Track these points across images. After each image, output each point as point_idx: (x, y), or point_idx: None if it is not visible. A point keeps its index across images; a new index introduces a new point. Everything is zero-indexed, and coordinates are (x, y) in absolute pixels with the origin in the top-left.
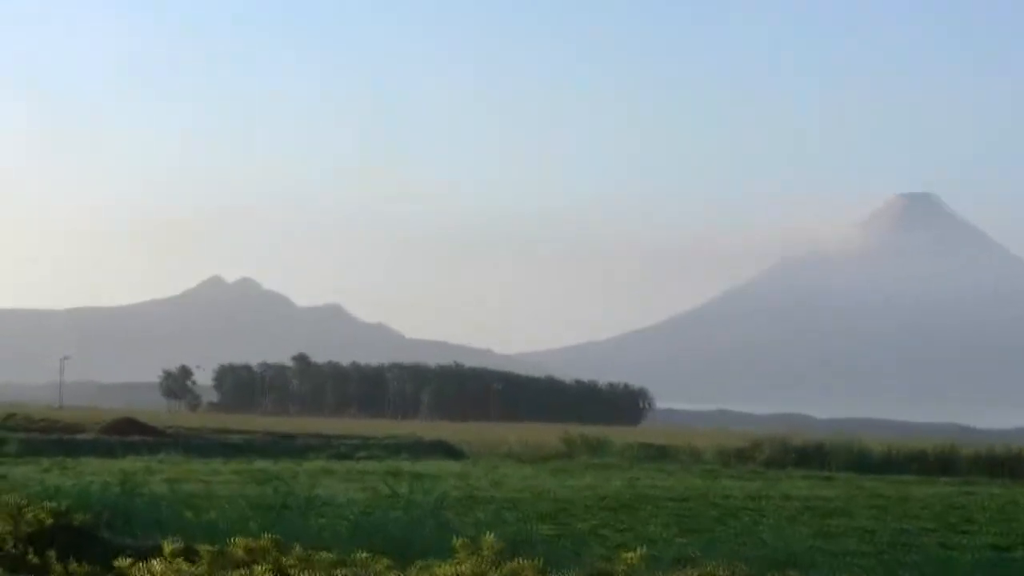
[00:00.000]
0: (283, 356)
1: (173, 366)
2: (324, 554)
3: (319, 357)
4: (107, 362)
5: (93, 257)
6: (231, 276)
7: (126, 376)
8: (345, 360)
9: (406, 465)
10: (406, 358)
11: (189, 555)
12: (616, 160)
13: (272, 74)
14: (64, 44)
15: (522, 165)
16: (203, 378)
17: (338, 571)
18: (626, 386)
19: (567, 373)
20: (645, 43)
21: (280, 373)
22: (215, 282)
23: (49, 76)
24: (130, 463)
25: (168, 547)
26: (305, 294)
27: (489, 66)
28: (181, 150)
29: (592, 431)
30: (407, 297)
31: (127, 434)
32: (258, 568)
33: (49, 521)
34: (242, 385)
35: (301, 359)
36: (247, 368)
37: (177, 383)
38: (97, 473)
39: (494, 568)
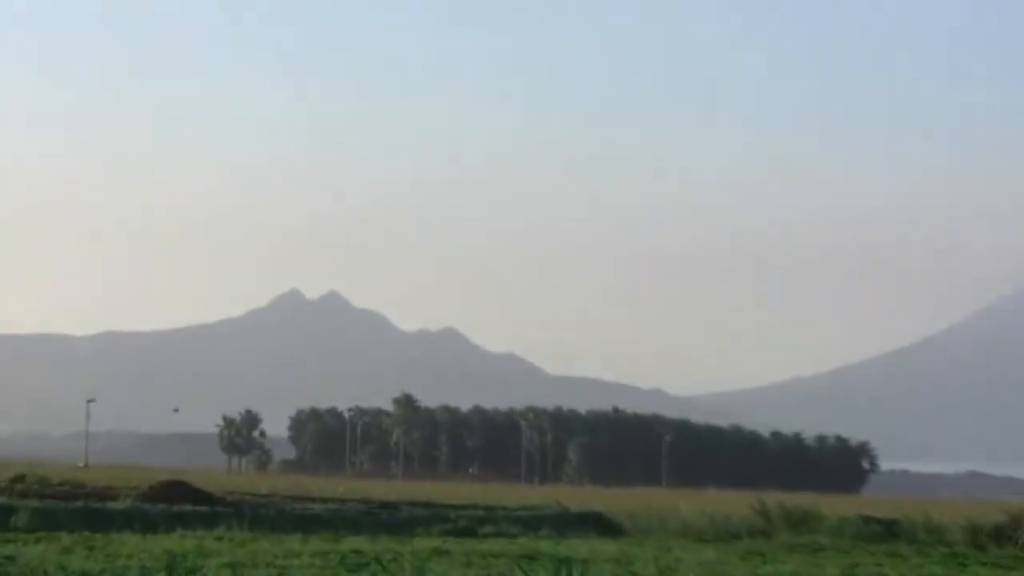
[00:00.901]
0: (381, 397)
1: (235, 410)
2: None
3: (430, 398)
4: (147, 406)
5: (131, 269)
6: (313, 291)
7: (172, 425)
8: (465, 403)
9: (547, 545)
10: (547, 400)
11: None
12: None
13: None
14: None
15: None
16: (275, 427)
17: None
18: (842, 439)
19: (762, 422)
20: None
21: (378, 420)
22: (292, 298)
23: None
24: (178, 541)
25: None
26: (410, 314)
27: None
28: (252, 142)
29: (797, 499)
30: (546, 321)
31: (174, 501)
32: None
33: None
34: (327, 436)
35: (406, 402)
36: (334, 414)
37: (241, 434)
38: (135, 554)
39: None
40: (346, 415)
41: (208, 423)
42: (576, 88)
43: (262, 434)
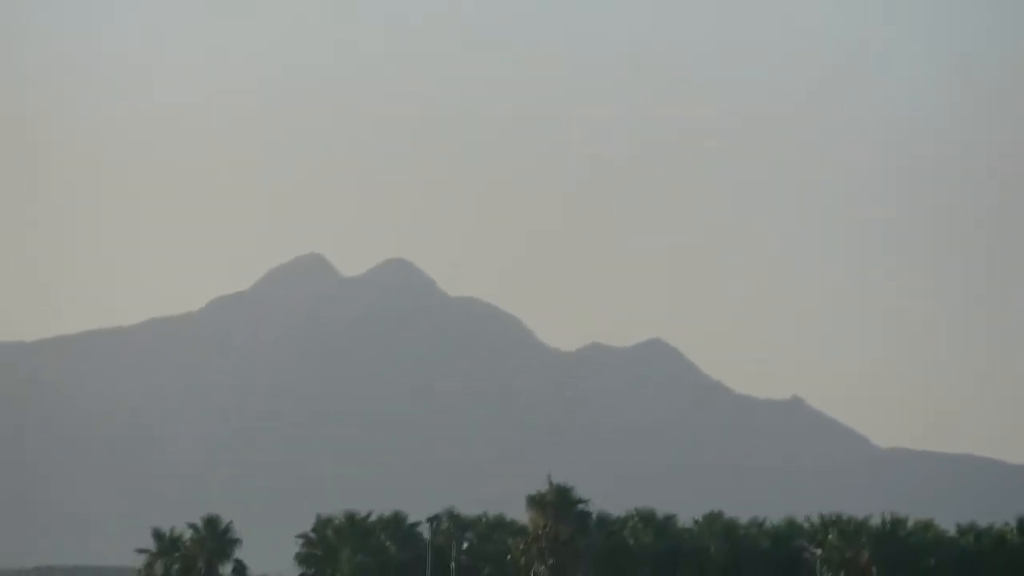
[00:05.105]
0: (511, 488)
1: (178, 518)
2: None
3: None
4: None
5: None
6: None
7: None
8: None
9: None
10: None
11: None
12: None
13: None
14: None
15: None
16: (265, 551)
17: None
18: None
19: None
20: None
21: (494, 539)
22: (301, 267)
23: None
24: None
25: None
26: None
27: None
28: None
29: None
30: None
31: None
32: None
33: None
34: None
35: (557, 498)
36: (394, 525)
37: (189, 563)
38: None
39: None
40: (424, 529)
41: (124, 549)
42: None
43: (239, 570)
